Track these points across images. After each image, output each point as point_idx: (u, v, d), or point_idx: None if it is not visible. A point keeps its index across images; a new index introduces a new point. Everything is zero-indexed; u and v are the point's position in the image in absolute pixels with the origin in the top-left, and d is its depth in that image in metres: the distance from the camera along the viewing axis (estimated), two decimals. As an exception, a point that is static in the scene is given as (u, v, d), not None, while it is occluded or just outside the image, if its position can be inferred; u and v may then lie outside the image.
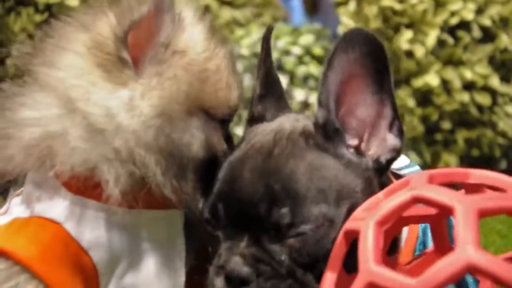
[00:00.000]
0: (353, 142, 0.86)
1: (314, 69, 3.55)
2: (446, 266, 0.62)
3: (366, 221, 0.71)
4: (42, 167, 0.85)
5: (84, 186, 0.85)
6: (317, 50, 3.56)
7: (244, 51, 3.38)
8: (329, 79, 0.85)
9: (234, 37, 3.52)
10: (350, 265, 0.72)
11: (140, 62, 0.84)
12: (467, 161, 3.00)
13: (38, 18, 3.02)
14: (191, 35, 0.87)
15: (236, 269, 0.81)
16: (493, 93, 3.01)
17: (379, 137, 0.86)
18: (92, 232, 0.86)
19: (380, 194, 0.77)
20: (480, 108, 2.99)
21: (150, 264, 0.90)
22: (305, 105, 3.51)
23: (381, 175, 0.87)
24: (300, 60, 3.54)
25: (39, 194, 0.87)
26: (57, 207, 0.86)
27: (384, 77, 0.86)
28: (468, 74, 2.94)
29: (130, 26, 0.83)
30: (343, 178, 0.82)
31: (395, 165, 0.93)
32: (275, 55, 3.51)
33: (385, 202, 0.74)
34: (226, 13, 3.96)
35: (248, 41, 3.48)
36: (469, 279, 0.86)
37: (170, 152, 0.85)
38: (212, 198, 0.86)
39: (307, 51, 3.55)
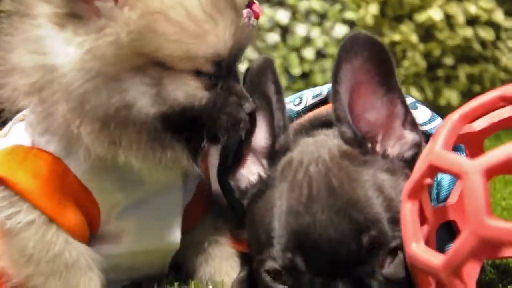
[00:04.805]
0: (368, 144, 0.83)
1: (316, 4, 3.50)
2: (506, 148, 0.63)
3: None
4: (36, 101, 0.84)
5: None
6: (320, -15, 3.51)
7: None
8: (340, 94, 0.83)
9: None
10: None
11: (94, 17, 0.79)
12: (468, 97, 3.00)
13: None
14: None
15: None
16: (496, 28, 2.98)
17: (395, 136, 0.85)
18: (89, 169, 0.86)
19: None
20: (483, 43, 2.97)
21: (147, 207, 0.90)
22: (307, 40, 3.48)
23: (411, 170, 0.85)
24: (302, -5, 3.50)
25: (41, 126, 0.87)
26: (56, 141, 0.86)
27: (390, 76, 0.84)
28: (472, 9, 2.91)
29: None
30: (395, 185, 0.80)
31: (417, 121, 0.92)
32: (276, -11, 3.46)
33: (471, 101, 0.76)
34: None
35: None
36: (445, 182, 0.87)
37: (117, 119, 0.80)
38: (283, 252, 0.78)
39: (309, -15, 3.51)
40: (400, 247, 0.75)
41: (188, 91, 0.81)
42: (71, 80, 0.79)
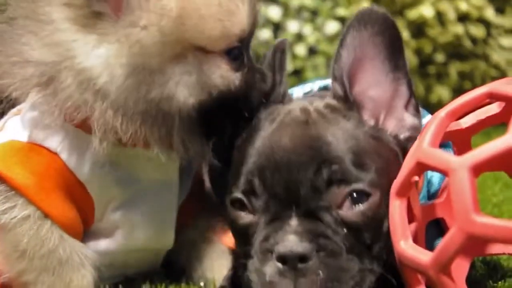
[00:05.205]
0: (370, 122, 0.85)
1: (308, 0, 3.50)
2: (493, 144, 0.64)
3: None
4: (43, 94, 0.84)
5: (83, 121, 0.84)
6: (312, -19, 3.51)
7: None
8: (342, 57, 0.85)
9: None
10: None
11: (121, 11, 0.79)
12: (459, 93, 3.00)
13: None
14: None
15: (294, 248, 0.74)
16: (487, 25, 2.99)
17: (396, 117, 0.86)
18: (87, 165, 0.86)
19: None
20: (474, 40, 2.98)
21: (142, 205, 0.91)
22: (299, 36, 3.49)
23: (403, 150, 0.85)
24: (294, -9, 3.50)
25: (39, 120, 0.87)
26: (55, 137, 0.86)
27: (398, 56, 0.85)
28: (463, 6, 2.92)
29: None
30: (376, 148, 0.82)
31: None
32: (268, -14, 3.46)
33: (458, 98, 0.78)
34: None
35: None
36: (435, 180, 0.88)
37: (151, 113, 0.81)
38: (245, 176, 0.80)
39: (301, -18, 3.51)
40: (364, 198, 0.77)
41: (223, 74, 0.83)
42: (108, 79, 0.79)
